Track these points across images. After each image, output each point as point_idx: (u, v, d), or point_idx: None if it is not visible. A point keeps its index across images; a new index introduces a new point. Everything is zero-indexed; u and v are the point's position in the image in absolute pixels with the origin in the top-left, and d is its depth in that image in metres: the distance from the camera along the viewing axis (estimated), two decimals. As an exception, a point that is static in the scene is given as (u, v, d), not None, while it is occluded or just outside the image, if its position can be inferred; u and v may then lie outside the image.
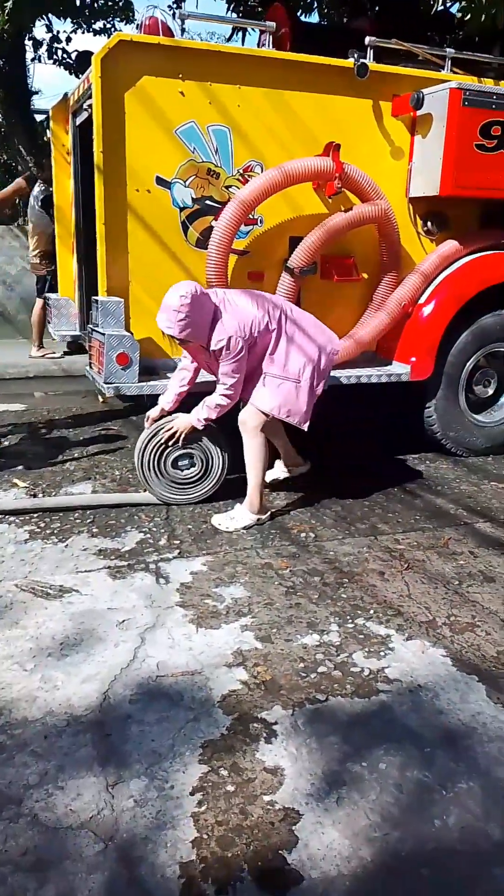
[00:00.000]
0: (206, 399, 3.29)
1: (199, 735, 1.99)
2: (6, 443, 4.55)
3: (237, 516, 3.36)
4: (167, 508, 3.51)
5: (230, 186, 3.63)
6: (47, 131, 10.68)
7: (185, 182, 3.56)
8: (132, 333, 3.50)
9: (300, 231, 3.75)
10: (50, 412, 5.34)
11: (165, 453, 3.45)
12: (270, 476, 3.79)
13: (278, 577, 2.88)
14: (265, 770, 1.87)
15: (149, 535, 3.23)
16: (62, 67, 9.68)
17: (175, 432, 3.37)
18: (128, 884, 1.56)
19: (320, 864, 1.62)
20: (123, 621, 2.52)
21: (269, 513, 3.44)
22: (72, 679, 2.20)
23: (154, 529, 3.29)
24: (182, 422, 3.37)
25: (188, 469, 3.51)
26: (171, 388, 3.41)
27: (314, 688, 2.20)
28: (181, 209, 3.59)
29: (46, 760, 1.88)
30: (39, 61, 10.00)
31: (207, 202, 3.62)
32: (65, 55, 9.71)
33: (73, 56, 9.48)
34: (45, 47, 9.70)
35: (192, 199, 3.59)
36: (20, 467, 4.07)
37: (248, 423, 3.31)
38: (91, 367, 3.79)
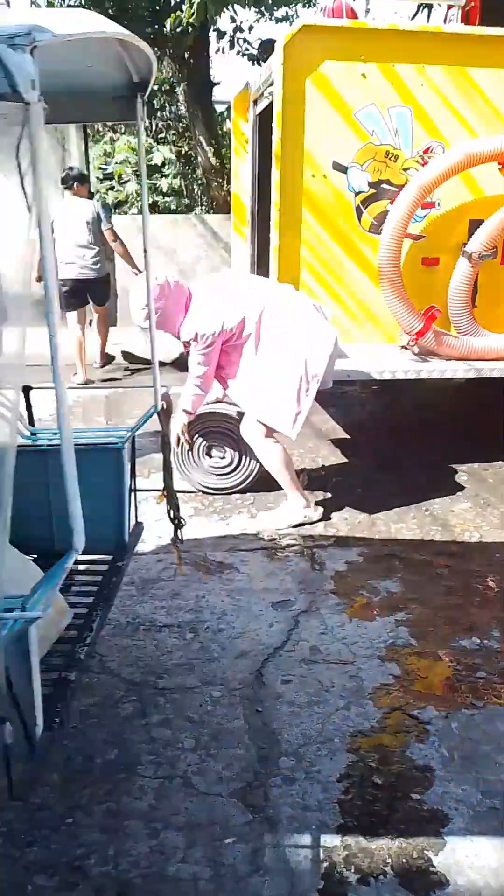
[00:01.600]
0: (183, 390, 3.24)
1: (348, 724, 1.99)
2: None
3: (283, 515, 3.26)
4: (325, 496, 3.53)
5: (408, 169, 3.54)
6: (227, 121, 11.06)
7: (361, 166, 3.52)
8: (301, 320, 3.52)
9: (481, 214, 3.58)
10: (216, 395, 5.53)
11: (197, 447, 3.49)
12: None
13: (438, 576, 2.80)
14: (415, 768, 1.84)
15: (306, 522, 3.26)
16: (244, 57, 9.89)
17: (180, 436, 3.35)
18: (272, 859, 1.60)
19: (467, 871, 1.57)
20: (279, 602, 2.57)
21: (319, 510, 3.28)
22: (227, 653, 2.29)
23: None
24: (174, 425, 3.22)
25: (221, 459, 3.52)
26: (185, 391, 3.27)
27: (471, 693, 2.13)
28: (356, 194, 3.56)
29: (201, 727, 1.97)
30: (223, 52, 10.30)
31: (384, 186, 3.56)
32: (246, 45, 9.92)
33: (256, 45, 9.65)
34: (227, 38, 9.97)
35: (369, 183, 3.55)
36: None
37: (250, 434, 3.24)
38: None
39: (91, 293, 6.02)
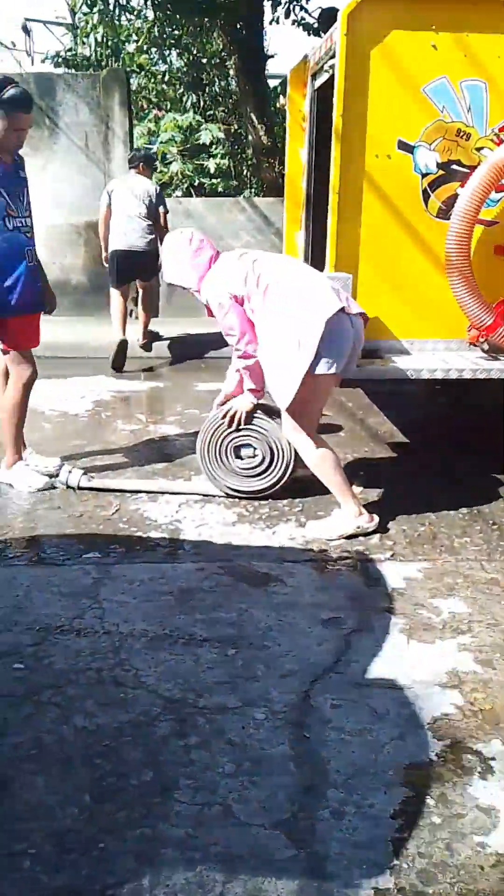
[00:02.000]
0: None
1: (404, 756, 1.96)
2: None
3: (334, 524, 3.22)
4: (380, 506, 3.50)
5: (482, 149, 3.49)
6: (280, 97, 11.07)
7: (430, 145, 3.48)
8: (358, 312, 3.50)
9: None
10: (263, 393, 5.54)
11: (227, 441, 3.49)
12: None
13: (505, 595, 2.75)
14: (478, 808, 1.81)
15: (359, 532, 3.24)
16: (300, 28, 9.87)
17: (234, 414, 3.42)
18: (318, 897, 1.59)
19: (537, 927, 1.53)
20: (328, 620, 2.56)
21: (374, 519, 3.23)
22: (272, 672, 2.28)
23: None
24: (239, 402, 3.42)
25: (250, 458, 3.50)
26: (230, 372, 3.49)
27: (542, 727, 2.08)
28: (423, 175, 3.52)
29: (243, 752, 1.97)
30: (277, 23, 10.30)
31: (454, 167, 3.51)
32: (303, 14, 9.91)
33: (315, 14, 9.63)
34: (283, 8, 9.97)
35: (437, 163, 3.50)
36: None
37: (288, 431, 3.24)
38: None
39: (138, 267, 6.38)
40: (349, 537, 3.17)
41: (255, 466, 3.51)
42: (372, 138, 3.46)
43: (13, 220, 3.44)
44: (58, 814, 1.78)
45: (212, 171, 9.75)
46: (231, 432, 3.48)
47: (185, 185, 9.56)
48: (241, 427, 3.45)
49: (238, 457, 3.52)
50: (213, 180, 9.82)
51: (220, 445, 3.51)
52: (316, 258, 4.49)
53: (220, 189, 9.71)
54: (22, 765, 1.92)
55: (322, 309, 3.01)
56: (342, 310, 3.05)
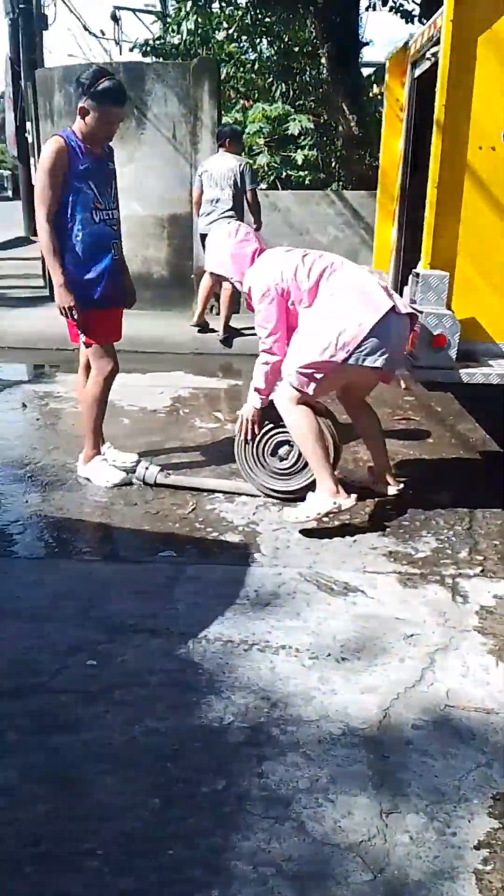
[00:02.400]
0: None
1: (490, 784, 1.92)
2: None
3: (309, 505, 3.22)
4: (470, 518, 3.43)
5: None
6: (373, 86, 10.98)
7: (538, 137, 3.39)
8: (453, 312, 3.44)
9: None
10: (346, 395, 5.51)
11: (264, 441, 3.48)
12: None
13: None
14: None
15: (447, 545, 3.18)
16: (398, 15, 9.78)
17: (245, 423, 3.44)
18: (395, 927, 1.56)
19: None
20: (412, 635, 2.52)
21: (353, 497, 3.21)
22: (351, 686, 2.27)
23: (454, 539, 3.23)
24: (245, 409, 3.47)
25: (287, 458, 3.48)
26: (256, 367, 3.43)
27: None
28: (530, 169, 3.43)
29: (318, 767, 1.96)
30: (374, 9, 10.24)
31: None
32: (402, 1, 9.81)
33: (415, 1, 9.53)
34: (380, -8, 9.90)
35: (546, 156, 3.41)
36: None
37: (279, 395, 3.27)
38: (401, 348, 3.82)
39: None
40: (326, 515, 3.21)
41: (292, 465, 3.51)
42: (476, 129, 3.39)
43: (100, 213, 3.50)
44: (127, 815, 1.81)
45: (299, 162, 9.75)
46: (267, 431, 3.51)
47: (272, 178, 9.59)
48: (278, 424, 3.46)
49: (275, 455, 3.53)
50: (300, 172, 9.82)
51: (258, 445, 3.53)
52: (409, 254, 4.44)
53: (307, 181, 9.70)
54: (92, 763, 1.96)
55: (375, 308, 3.16)
56: (392, 309, 3.17)
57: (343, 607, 2.69)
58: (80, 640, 2.47)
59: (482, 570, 2.98)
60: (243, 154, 7.71)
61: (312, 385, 3.23)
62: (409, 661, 2.38)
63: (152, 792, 1.88)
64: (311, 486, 3.38)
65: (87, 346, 3.67)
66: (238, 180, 6.54)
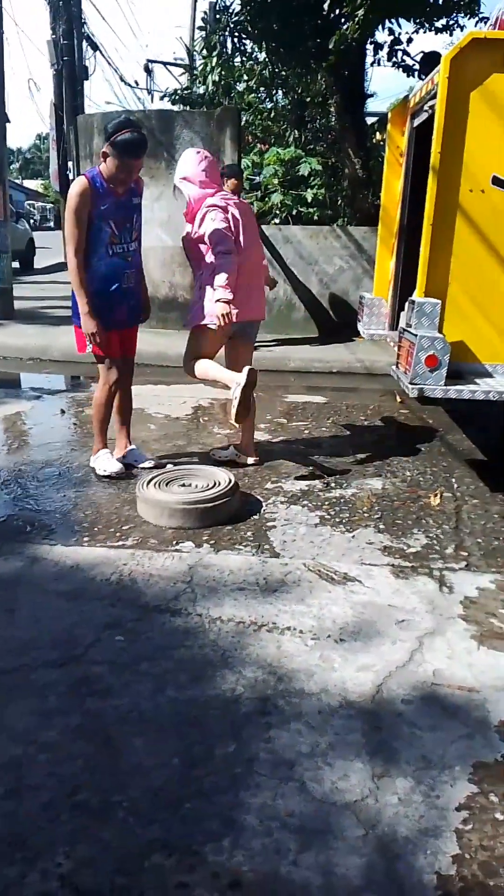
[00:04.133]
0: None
1: (471, 754, 1.93)
2: (306, 433, 4.83)
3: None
4: (457, 518, 3.44)
5: None
6: (376, 133, 11.01)
7: (523, 182, 3.41)
8: (444, 336, 3.46)
9: None
10: (349, 407, 5.53)
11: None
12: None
13: None
14: (541, 810, 1.76)
15: (435, 542, 3.19)
16: (401, 70, 9.81)
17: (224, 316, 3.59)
18: (384, 875, 1.58)
19: None
20: (403, 621, 2.54)
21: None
22: (348, 664, 2.29)
23: (441, 536, 3.25)
24: (217, 308, 3.60)
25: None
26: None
27: None
28: (514, 209, 3.45)
29: (319, 734, 1.98)
30: (378, 65, 10.27)
31: (545, 203, 3.42)
32: (404, 57, 9.83)
33: (416, 57, 9.54)
34: (385, 50, 9.93)
35: (529, 199, 3.43)
36: (317, 456, 4.30)
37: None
38: (397, 367, 3.84)
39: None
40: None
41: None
42: (467, 173, 3.42)
43: (115, 247, 3.55)
44: (152, 773, 1.83)
45: (309, 200, 9.78)
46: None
47: (284, 214, 9.62)
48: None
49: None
50: (310, 209, 9.84)
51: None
52: (406, 284, 4.46)
53: (315, 217, 9.73)
54: (122, 726, 1.99)
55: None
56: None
57: (342, 595, 2.71)
58: (112, 617, 2.50)
59: (467, 565, 2.99)
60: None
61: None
62: (401, 644, 2.40)
63: (174, 753, 1.90)
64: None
65: (96, 357, 3.74)
66: None
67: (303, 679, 2.22)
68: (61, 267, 16.22)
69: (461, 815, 1.75)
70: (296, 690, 2.16)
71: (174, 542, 3.11)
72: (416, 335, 3.44)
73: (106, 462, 3.85)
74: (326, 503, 3.58)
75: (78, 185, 3.45)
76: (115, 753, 1.90)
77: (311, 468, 4.08)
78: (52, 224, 25.97)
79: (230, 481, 3.44)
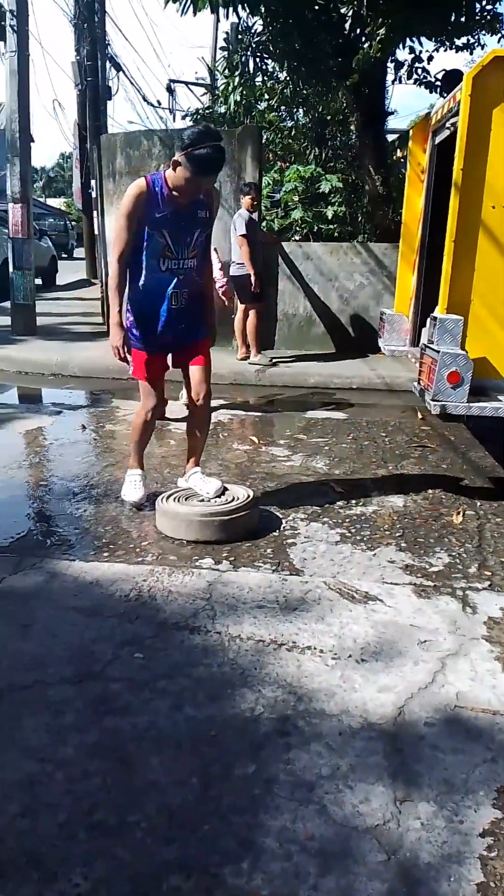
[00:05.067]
0: None
1: (496, 778, 1.89)
2: (326, 448, 4.82)
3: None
4: (479, 537, 3.40)
5: None
6: (397, 150, 11.05)
7: (546, 198, 3.40)
8: (467, 352, 3.45)
9: None
10: (368, 423, 5.51)
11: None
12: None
13: None
14: None
15: (458, 560, 3.16)
16: (422, 87, 9.86)
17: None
18: (407, 903, 1.55)
19: None
20: (425, 641, 2.50)
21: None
22: (369, 685, 2.26)
23: (464, 555, 3.21)
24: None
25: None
26: None
27: None
28: (537, 226, 3.44)
29: (339, 756, 1.96)
30: (399, 82, 10.34)
31: None
32: (425, 74, 9.89)
33: (437, 76, 9.60)
34: (405, 68, 10.00)
35: (552, 215, 3.42)
36: (337, 472, 4.28)
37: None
38: (419, 384, 3.83)
39: (237, 289, 7.05)
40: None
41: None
42: (489, 190, 3.43)
43: (169, 261, 3.21)
44: (169, 792, 1.82)
45: (329, 217, 9.84)
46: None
47: (305, 231, 9.68)
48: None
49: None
50: (330, 226, 9.89)
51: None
52: (428, 300, 4.45)
53: (336, 234, 9.77)
54: (140, 744, 1.98)
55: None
56: None
57: (363, 614, 2.69)
58: (131, 634, 2.50)
59: (490, 585, 2.95)
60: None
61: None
62: (423, 665, 2.37)
63: (192, 772, 1.89)
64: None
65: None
66: (235, 229, 6.92)
67: (323, 699, 2.19)
68: (83, 284, 16.44)
69: (485, 841, 1.71)
70: (316, 711, 2.14)
71: (193, 559, 3.11)
72: (438, 352, 3.43)
73: (129, 488, 3.63)
74: (347, 520, 3.56)
75: (135, 188, 3.11)
76: (132, 772, 1.89)
77: (331, 484, 4.06)
78: (74, 241, 26.23)
79: (249, 496, 3.44)
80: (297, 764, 1.93)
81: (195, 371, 3.47)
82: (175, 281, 3.24)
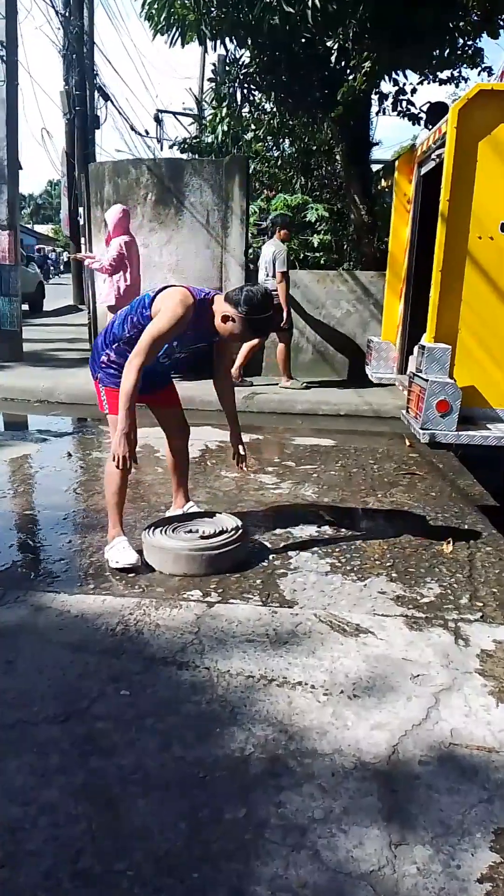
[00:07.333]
0: None
1: (492, 819, 1.85)
2: (314, 476, 4.80)
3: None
4: (470, 567, 3.38)
5: None
6: (381, 181, 11.23)
7: (531, 228, 3.45)
8: (455, 381, 3.46)
9: None
10: (356, 450, 5.51)
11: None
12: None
13: None
14: None
15: (449, 591, 3.13)
16: (406, 119, 10.05)
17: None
18: None
19: None
20: (418, 675, 2.47)
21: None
22: (362, 722, 2.21)
23: (455, 586, 3.18)
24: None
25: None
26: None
27: None
28: (524, 255, 3.48)
29: (332, 798, 1.91)
30: (384, 114, 10.54)
31: None
32: (409, 106, 10.09)
33: (421, 108, 9.79)
34: (390, 100, 10.19)
35: (538, 245, 3.46)
36: (326, 500, 4.26)
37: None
38: (408, 412, 3.83)
39: None
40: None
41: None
42: (476, 221, 3.47)
43: (170, 355, 3.24)
44: (157, 837, 1.76)
45: (315, 245, 9.94)
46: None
47: (291, 258, 9.77)
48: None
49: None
50: (316, 254, 10.00)
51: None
52: (415, 328, 4.48)
53: (322, 262, 9.87)
54: (127, 787, 1.92)
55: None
56: None
57: (354, 647, 2.65)
58: (117, 669, 2.44)
59: (482, 616, 2.92)
60: (265, 237, 7.97)
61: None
62: (416, 700, 2.33)
63: (180, 816, 1.83)
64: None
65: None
66: (272, 263, 7.16)
67: (315, 738, 2.14)
68: (70, 310, 16.48)
69: (483, 887, 1.66)
70: (308, 750, 2.09)
71: (181, 591, 3.06)
72: (426, 380, 3.44)
73: (120, 553, 3.26)
74: (337, 550, 3.53)
75: (183, 307, 3.01)
76: (118, 816, 1.83)
77: (320, 512, 4.04)
78: (61, 268, 26.31)
79: (238, 528, 3.40)
80: (289, 807, 1.87)
81: (174, 413, 3.63)
82: (168, 363, 3.37)
